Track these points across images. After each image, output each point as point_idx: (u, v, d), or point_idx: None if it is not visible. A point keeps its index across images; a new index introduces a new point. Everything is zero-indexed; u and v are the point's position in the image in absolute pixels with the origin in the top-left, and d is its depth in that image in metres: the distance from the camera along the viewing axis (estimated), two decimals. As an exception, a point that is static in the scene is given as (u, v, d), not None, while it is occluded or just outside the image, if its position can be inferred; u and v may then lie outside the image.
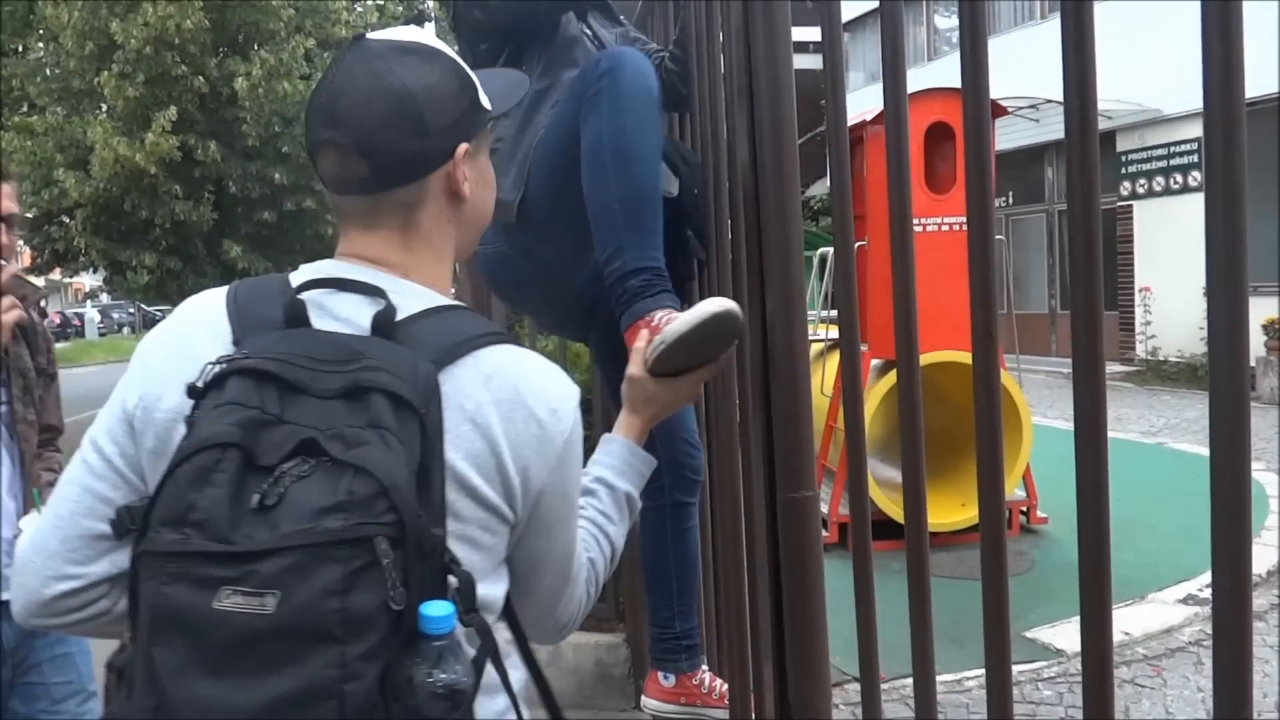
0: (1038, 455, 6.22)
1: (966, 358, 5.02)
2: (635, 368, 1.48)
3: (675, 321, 1.45)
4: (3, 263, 2.12)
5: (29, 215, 14.44)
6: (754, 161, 1.58)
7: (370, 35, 1.12)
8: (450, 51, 1.14)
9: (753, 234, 1.62)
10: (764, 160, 1.55)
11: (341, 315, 1.05)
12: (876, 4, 1.39)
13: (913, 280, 1.33)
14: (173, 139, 12.16)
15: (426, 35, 1.15)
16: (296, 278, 1.08)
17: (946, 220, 5.80)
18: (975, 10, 1.17)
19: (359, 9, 15.71)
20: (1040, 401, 10.55)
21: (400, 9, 17.81)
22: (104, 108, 13.05)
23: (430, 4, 19.53)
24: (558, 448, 1.07)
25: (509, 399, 1.03)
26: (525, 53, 1.97)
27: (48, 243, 14.66)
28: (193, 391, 0.97)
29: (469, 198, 1.15)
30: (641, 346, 1.50)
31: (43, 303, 2.43)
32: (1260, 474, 7.19)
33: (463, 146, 1.11)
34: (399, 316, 1.03)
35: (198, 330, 1.07)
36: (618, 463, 1.37)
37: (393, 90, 1.05)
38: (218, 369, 0.96)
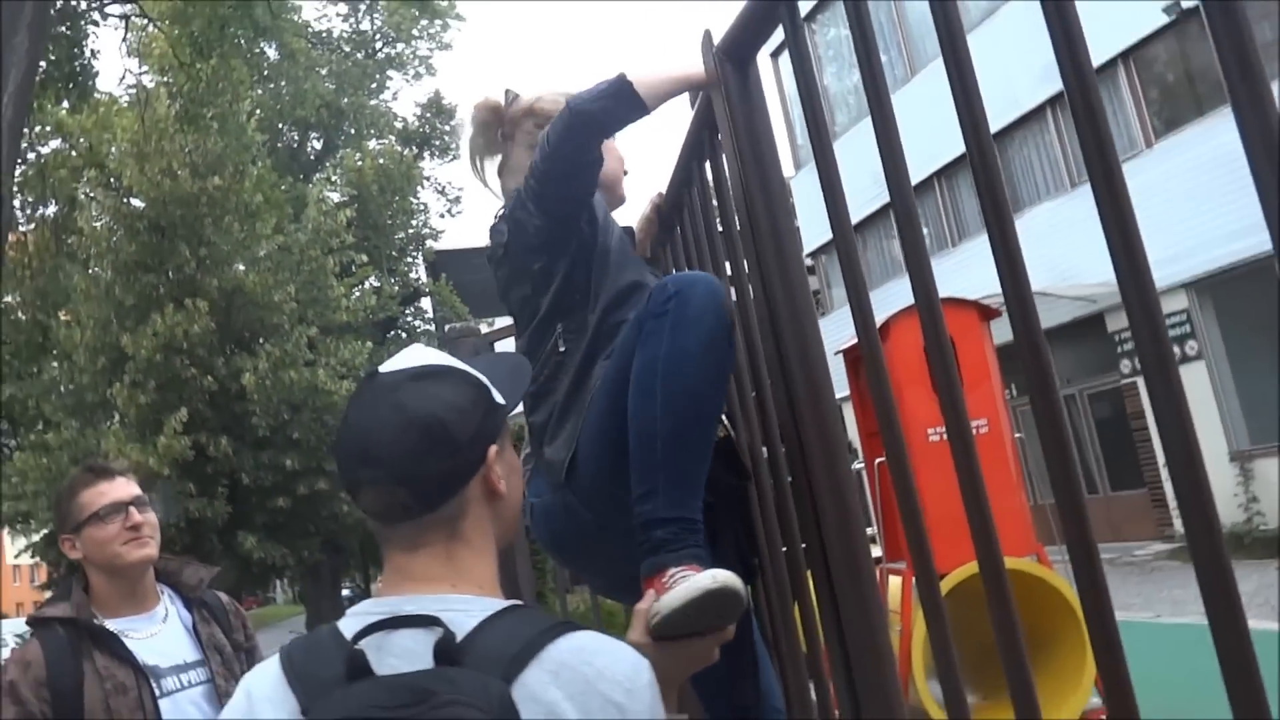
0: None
1: (1015, 564, 4.82)
2: (635, 633, 1.44)
3: (671, 593, 1.40)
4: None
5: (45, 532, 14.42)
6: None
7: (382, 369, 1.18)
8: (456, 362, 1.20)
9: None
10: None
11: (401, 652, 1.04)
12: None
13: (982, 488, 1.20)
14: (185, 439, 12.36)
15: (430, 353, 1.21)
16: (347, 626, 1.08)
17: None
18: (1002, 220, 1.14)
19: (357, 293, 16.35)
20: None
21: (397, 289, 18.58)
22: (116, 417, 13.34)
23: (424, 280, 20.38)
24: None
25: (581, 690, 1.03)
26: (579, 287, 1.85)
27: (63, 557, 14.62)
28: None
29: (506, 493, 1.18)
30: (644, 609, 1.44)
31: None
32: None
33: (492, 449, 1.15)
34: (459, 638, 1.03)
35: (263, 709, 1.07)
36: None
37: (417, 419, 1.10)
38: None
